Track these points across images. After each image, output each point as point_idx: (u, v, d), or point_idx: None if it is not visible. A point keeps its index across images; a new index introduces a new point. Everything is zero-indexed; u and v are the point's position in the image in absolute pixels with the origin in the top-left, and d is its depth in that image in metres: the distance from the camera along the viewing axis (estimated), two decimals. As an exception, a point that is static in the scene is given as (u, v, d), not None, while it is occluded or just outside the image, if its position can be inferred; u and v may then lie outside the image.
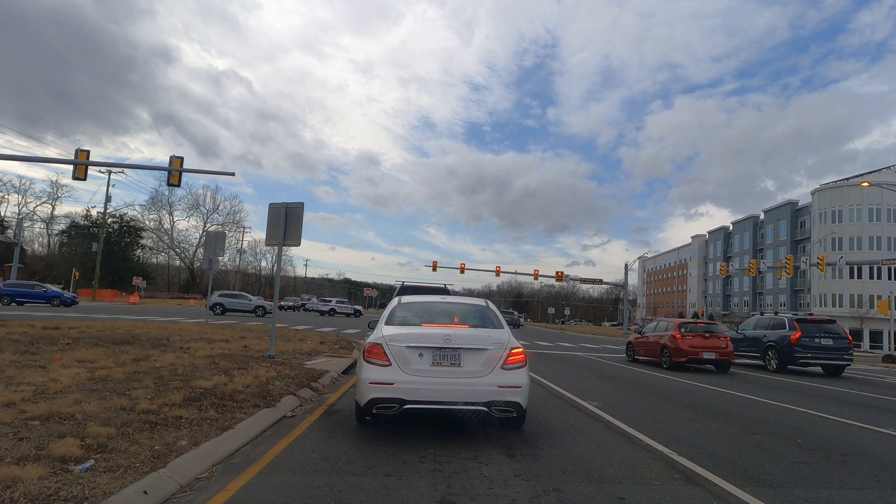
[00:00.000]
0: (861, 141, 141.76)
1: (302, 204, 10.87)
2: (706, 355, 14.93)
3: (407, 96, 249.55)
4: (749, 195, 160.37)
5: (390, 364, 5.20)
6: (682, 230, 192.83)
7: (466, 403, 5.17)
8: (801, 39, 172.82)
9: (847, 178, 63.26)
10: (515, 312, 73.58)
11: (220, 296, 36.82)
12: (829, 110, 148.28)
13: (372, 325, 6.47)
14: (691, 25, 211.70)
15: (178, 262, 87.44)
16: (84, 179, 21.13)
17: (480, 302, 6.95)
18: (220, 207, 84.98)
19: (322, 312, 49.31)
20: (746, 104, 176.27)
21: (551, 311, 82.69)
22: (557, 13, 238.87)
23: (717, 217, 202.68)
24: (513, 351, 5.41)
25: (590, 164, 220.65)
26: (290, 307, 60.45)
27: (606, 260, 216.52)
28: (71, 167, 20.95)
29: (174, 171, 21.15)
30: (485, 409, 5.19)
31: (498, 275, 64.33)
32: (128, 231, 76.11)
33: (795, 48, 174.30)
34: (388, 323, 5.97)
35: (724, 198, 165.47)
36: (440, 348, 5.26)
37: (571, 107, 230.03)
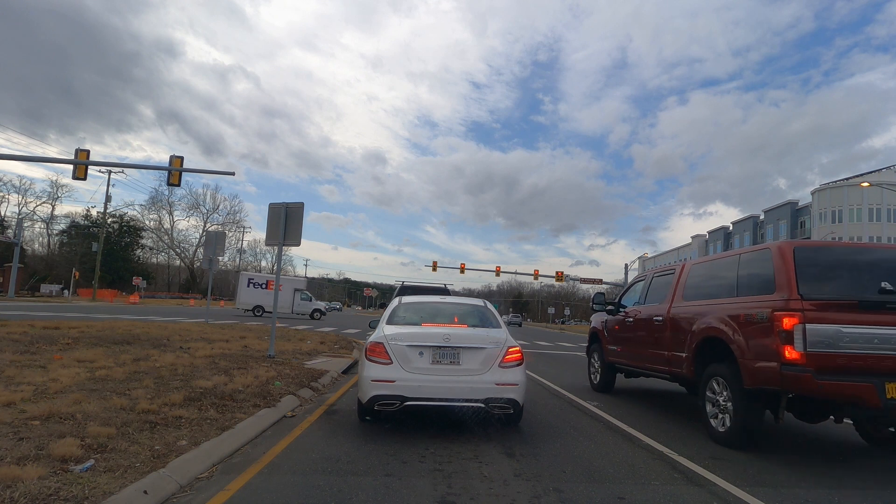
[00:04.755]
0: (879, 138, 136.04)
1: (302, 204, 10.87)
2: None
3: (417, 93, 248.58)
4: (760, 194, 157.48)
5: (391, 362, 5.39)
6: (690, 230, 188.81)
7: (465, 400, 5.35)
8: (826, 31, 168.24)
9: (847, 178, 63.28)
10: (519, 316, 77.68)
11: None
12: (849, 106, 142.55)
13: (373, 325, 6.63)
14: (712, 18, 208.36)
15: (178, 262, 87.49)
16: (84, 179, 21.15)
17: (479, 302, 7.17)
18: (221, 207, 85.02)
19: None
20: (764, 100, 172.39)
21: (551, 311, 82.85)
22: (573, 6, 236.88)
23: (727, 216, 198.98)
24: (510, 350, 5.60)
25: (600, 162, 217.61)
26: None
27: (609, 260, 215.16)
28: (71, 167, 20.96)
29: (174, 171, 21.17)
30: (483, 405, 5.36)
31: (498, 275, 64.35)
32: (128, 231, 76.10)
33: (819, 41, 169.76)
34: (389, 322, 6.17)
35: (735, 197, 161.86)
36: (440, 347, 5.44)
37: (583, 103, 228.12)
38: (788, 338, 4.97)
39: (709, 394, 6.13)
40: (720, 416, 5.88)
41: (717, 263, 6.96)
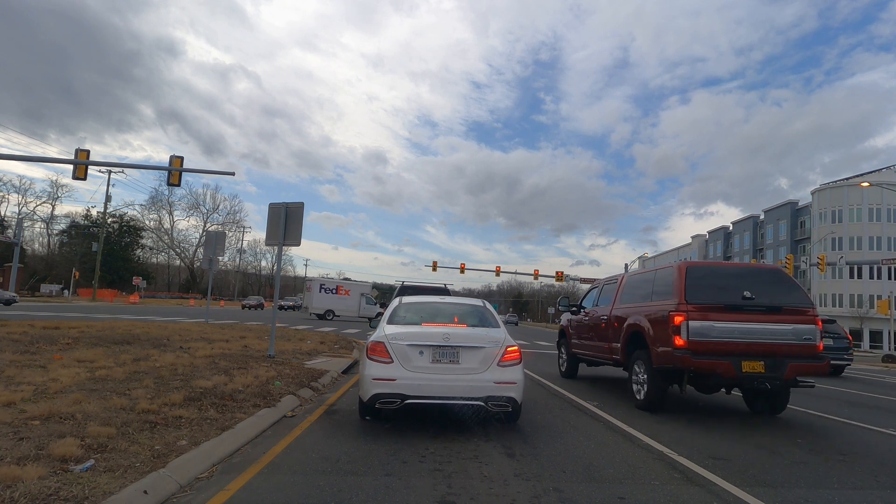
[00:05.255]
0: (882, 138, 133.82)
1: (302, 204, 10.88)
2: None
3: (418, 92, 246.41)
4: (762, 194, 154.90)
5: (392, 361, 5.49)
6: (691, 230, 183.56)
7: (464, 398, 5.45)
8: (829, 30, 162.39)
9: (847, 178, 63.25)
10: (515, 315, 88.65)
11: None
12: (851, 105, 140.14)
13: (374, 325, 6.76)
14: (715, 17, 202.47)
15: (178, 262, 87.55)
16: (84, 179, 21.13)
17: (478, 302, 7.29)
18: (221, 207, 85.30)
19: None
20: (766, 99, 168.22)
21: (551, 310, 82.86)
22: (574, 6, 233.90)
23: (728, 216, 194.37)
24: (508, 349, 5.70)
25: (601, 162, 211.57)
26: (289, 307, 60.54)
27: (609, 260, 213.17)
28: (71, 166, 20.95)
29: (174, 171, 21.16)
30: (482, 403, 5.45)
31: (498, 275, 64.44)
32: (128, 231, 76.11)
33: (822, 39, 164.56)
34: (390, 322, 6.26)
35: (737, 196, 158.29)
36: (440, 346, 5.54)
37: (585, 103, 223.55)
38: (677, 330, 7.04)
39: (634, 372, 8.13)
40: (639, 388, 7.89)
41: (643, 276, 8.99)
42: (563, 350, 11.87)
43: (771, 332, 7.06)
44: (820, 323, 7.32)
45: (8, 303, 31.88)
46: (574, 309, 11.42)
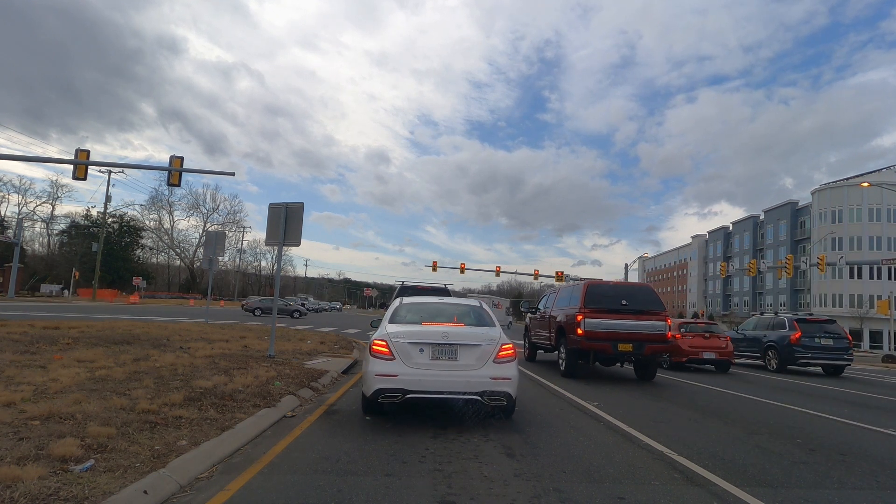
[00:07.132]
0: (889, 137, 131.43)
1: (302, 204, 10.88)
2: (706, 355, 14.92)
3: (422, 91, 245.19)
4: (766, 193, 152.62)
5: (394, 358, 5.74)
6: (693, 230, 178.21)
7: (462, 393, 5.74)
8: (839, 27, 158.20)
9: (847, 178, 63.20)
10: (510, 317, 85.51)
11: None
12: (859, 104, 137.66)
13: (374, 325, 7.04)
14: (723, 14, 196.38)
15: (178, 262, 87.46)
16: (84, 179, 21.13)
17: (475, 303, 7.60)
18: (221, 207, 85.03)
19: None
20: (773, 98, 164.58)
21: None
22: (579, 3, 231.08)
23: (731, 216, 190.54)
24: (503, 346, 5.98)
25: (606, 161, 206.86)
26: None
27: (610, 260, 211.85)
28: (71, 166, 20.94)
29: (174, 171, 21.15)
30: (478, 398, 5.75)
31: (498, 275, 64.46)
32: (128, 231, 75.96)
33: (831, 36, 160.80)
34: (391, 321, 6.49)
35: (740, 196, 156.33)
36: (439, 344, 5.80)
37: (590, 101, 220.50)
38: (579, 325, 10.97)
39: (559, 352, 12.08)
40: (562, 362, 11.79)
41: (568, 288, 12.96)
42: (526, 340, 15.86)
43: (637, 326, 10.97)
44: (669, 321, 11.35)
45: (302, 315, 34.85)
46: (533, 310, 15.43)
